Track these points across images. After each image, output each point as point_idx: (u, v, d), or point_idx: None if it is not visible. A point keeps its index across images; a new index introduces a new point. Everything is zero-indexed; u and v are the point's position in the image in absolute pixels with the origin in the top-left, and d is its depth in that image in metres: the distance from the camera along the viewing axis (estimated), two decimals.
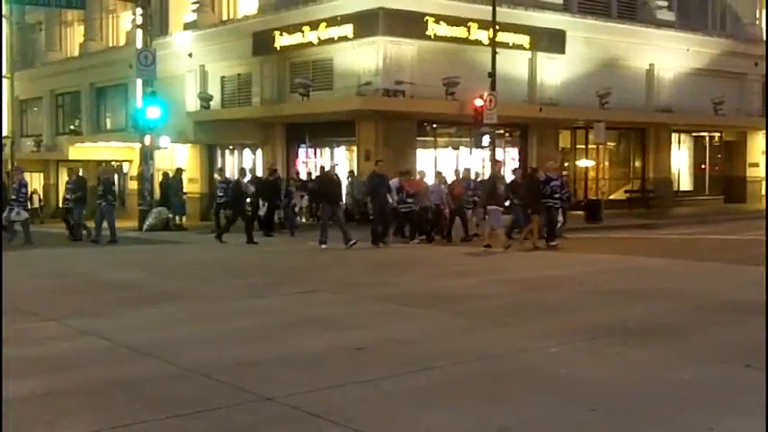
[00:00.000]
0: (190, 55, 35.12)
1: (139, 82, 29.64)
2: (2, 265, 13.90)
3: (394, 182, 22.35)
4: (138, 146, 30.23)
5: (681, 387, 7.21)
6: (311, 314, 10.98)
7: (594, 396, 6.90)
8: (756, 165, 39.12)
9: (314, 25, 29.24)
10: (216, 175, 28.31)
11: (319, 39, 29.20)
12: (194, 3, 35.74)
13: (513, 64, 30.22)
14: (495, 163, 21.89)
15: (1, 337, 9.06)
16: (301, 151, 32.34)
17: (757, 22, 39.49)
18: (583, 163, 33.84)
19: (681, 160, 37.96)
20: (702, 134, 38.62)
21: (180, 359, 8.18)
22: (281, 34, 30.51)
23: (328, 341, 9.09)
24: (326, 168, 25.83)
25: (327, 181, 22.29)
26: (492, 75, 25.82)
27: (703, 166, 38.47)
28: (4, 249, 17.73)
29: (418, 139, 29.27)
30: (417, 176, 23.52)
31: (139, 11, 29.89)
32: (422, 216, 22.42)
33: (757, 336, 9.26)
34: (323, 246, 20.26)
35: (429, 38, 28.17)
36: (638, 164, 36.23)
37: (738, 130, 39.15)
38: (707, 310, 11.05)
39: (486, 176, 23.21)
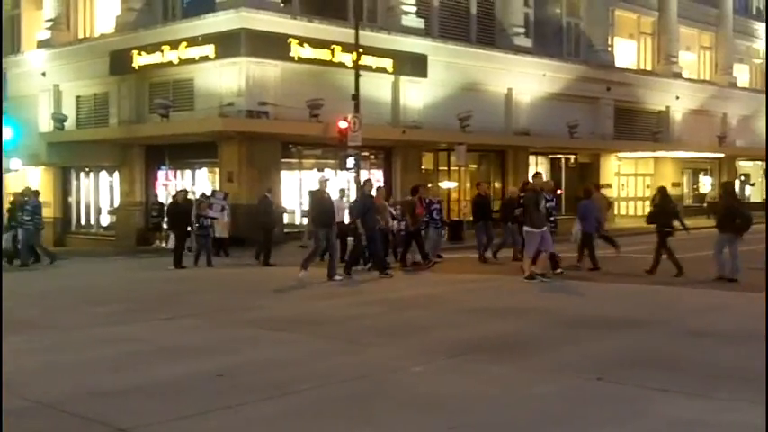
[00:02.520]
0: (43, 74, 33.96)
1: None
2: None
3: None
4: None
5: (539, 401, 7.38)
6: (172, 342, 10.68)
7: (455, 413, 6.98)
8: (609, 185, 40.56)
9: (174, 45, 28.69)
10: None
11: (180, 59, 28.66)
12: (48, 20, 34.60)
13: (377, 87, 30.46)
14: (536, 175, 18.21)
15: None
16: (161, 173, 31.63)
17: (609, 49, 41.13)
18: (445, 185, 34.35)
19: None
20: (558, 156, 39.82)
21: (29, 392, 7.79)
22: (139, 53, 29.81)
23: (189, 369, 8.86)
24: (318, 186, 20.56)
25: (319, 200, 18.53)
26: (356, 97, 25.94)
27: (560, 192, 39.46)
28: None
29: (283, 160, 29.06)
30: (374, 192, 20.49)
31: None
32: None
33: (607, 349, 9.58)
34: (338, 278, 17.68)
35: (293, 59, 28.07)
36: (497, 185, 37.02)
37: (592, 153, 40.57)
38: (564, 325, 11.37)
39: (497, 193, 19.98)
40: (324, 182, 18.75)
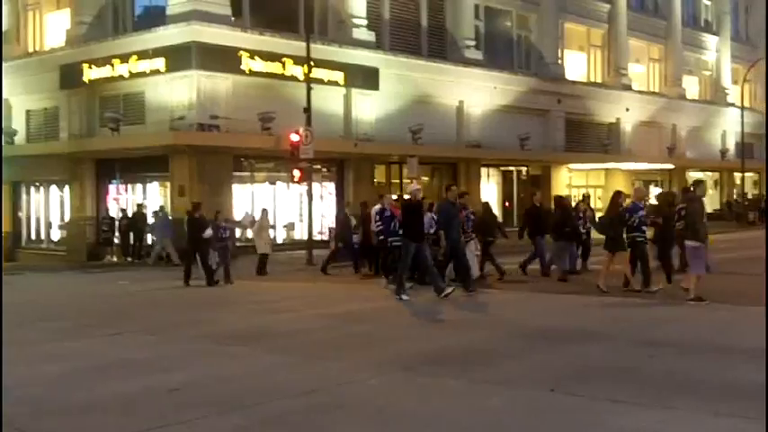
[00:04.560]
0: None
1: None
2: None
3: (376, 208, 19.80)
4: None
5: (492, 413, 7.41)
6: (123, 357, 10.57)
7: (409, 426, 7.00)
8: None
9: (124, 58, 28.49)
10: None
11: (130, 72, 28.47)
12: None
13: (329, 100, 30.48)
14: (699, 183, 15.74)
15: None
16: (112, 188, 31.30)
17: (559, 62, 41.57)
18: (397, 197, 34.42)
19: (490, 193, 39.20)
20: (510, 168, 40.12)
21: None
22: (89, 67, 29.56)
23: (141, 384, 8.77)
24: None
25: (411, 212, 16.53)
26: (307, 110, 25.94)
27: (507, 204, 39.57)
28: None
29: (234, 174, 28.92)
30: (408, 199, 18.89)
31: None
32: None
33: (562, 360, 9.65)
34: (404, 297, 15.88)
35: (244, 72, 28.01)
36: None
37: (543, 165, 40.91)
38: (518, 337, 11.41)
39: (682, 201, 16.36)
40: (415, 192, 16.98)
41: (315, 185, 27.43)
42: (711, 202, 52.77)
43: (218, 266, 20.75)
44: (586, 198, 23.46)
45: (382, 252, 19.86)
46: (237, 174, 29.21)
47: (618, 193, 17.46)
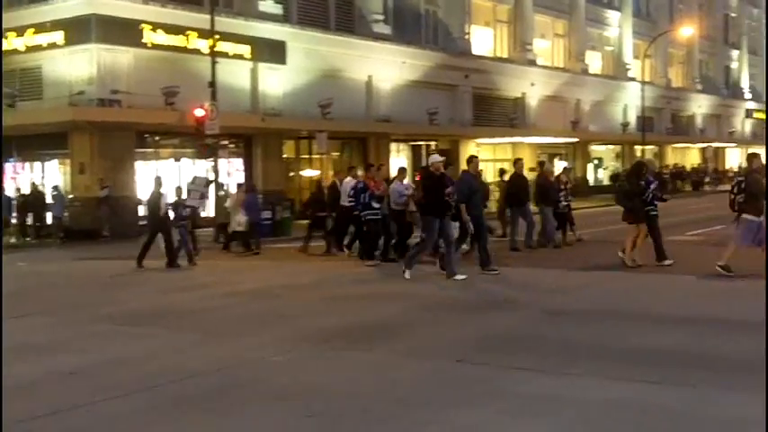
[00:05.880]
0: None
1: None
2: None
3: (347, 181, 19.60)
4: None
5: (398, 385, 7.36)
6: (23, 340, 10.14)
7: (314, 401, 6.90)
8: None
9: (20, 31, 27.49)
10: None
11: (26, 46, 27.51)
12: None
13: (235, 74, 29.95)
14: (755, 156, 14.49)
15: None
16: (8, 166, 30.19)
17: (467, 37, 41.71)
18: (307, 173, 34.15)
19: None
20: (419, 143, 40.19)
21: None
22: None
23: (39, 368, 8.48)
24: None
25: (433, 183, 15.01)
26: (212, 84, 25.38)
27: (418, 177, 39.53)
28: None
29: (138, 150, 28.19)
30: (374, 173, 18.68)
31: None
32: (386, 225, 17.82)
33: (467, 332, 9.64)
34: (461, 277, 14.36)
35: (146, 46, 27.29)
36: (360, 173, 36.98)
37: (452, 139, 41.09)
38: (425, 310, 11.41)
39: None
40: (437, 163, 15.39)
41: (221, 162, 26.88)
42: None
43: (178, 246, 19.01)
44: (567, 170, 23.42)
45: (354, 226, 19.28)
46: (141, 150, 28.49)
47: (641, 166, 16.73)
